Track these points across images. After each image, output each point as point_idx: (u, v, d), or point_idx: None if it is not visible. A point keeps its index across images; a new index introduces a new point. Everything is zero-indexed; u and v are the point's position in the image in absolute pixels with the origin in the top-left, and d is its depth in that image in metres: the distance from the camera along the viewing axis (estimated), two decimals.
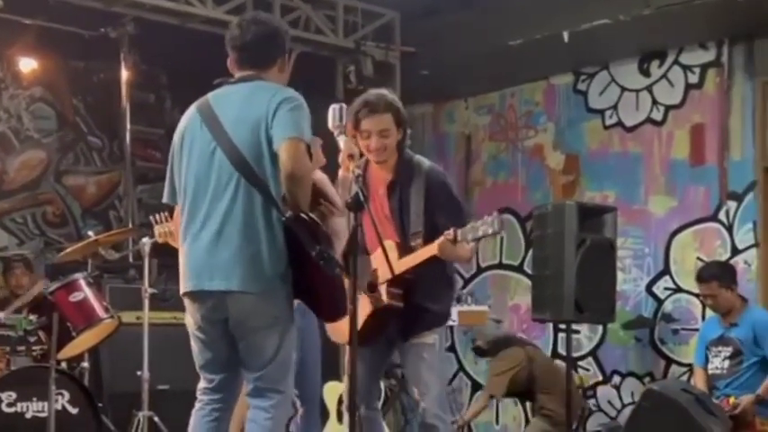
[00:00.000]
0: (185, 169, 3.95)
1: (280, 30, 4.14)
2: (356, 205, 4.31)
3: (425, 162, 4.67)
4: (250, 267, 3.80)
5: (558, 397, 7.08)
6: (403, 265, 4.41)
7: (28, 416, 5.41)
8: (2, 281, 8.12)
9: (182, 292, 3.98)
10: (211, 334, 3.94)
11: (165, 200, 4.10)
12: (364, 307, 4.45)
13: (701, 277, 6.92)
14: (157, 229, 5.49)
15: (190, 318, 4.00)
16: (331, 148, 4.58)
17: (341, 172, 4.43)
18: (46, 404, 5.30)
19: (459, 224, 4.35)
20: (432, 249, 4.36)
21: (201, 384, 4.06)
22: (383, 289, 4.45)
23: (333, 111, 4.29)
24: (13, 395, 5.37)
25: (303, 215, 3.85)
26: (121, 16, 7.91)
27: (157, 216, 5.48)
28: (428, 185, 4.56)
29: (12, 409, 5.37)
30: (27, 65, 8.83)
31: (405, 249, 4.49)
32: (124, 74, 8.31)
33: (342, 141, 4.29)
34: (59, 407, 5.44)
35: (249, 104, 3.87)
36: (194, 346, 4.03)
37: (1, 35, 8.31)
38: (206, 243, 3.84)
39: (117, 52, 8.24)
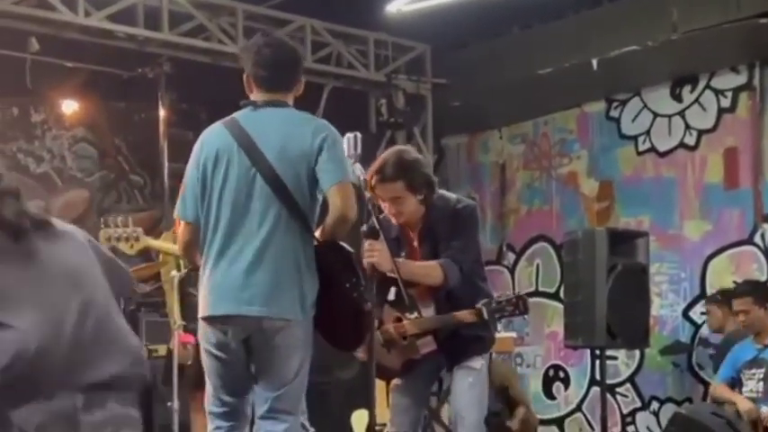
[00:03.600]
0: (219, 190, 3.94)
1: (302, 57, 4.24)
2: (371, 233, 4.41)
3: (453, 200, 4.68)
4: (289, 294, 3.87)
5: None
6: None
7: None
8: None
9: (211, 313, 3.95)
10: (236, 353, 3.96)
11: (181, 213, 4.02)
12: (399, 352, 4.62)
13: (737, 292, 6.97)
14: (106, 233, 5.28)
15: (212, 337, 3.99)
16: None
17: None
18: None
19: (454, 257, 4.48)
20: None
21: (216, 409, 4.06)
22: (415, 341, 4.56)
23: (348, 140, 4.35)
24: None
25: (340, 243, 3.98)
26: (158, 56, 8.09)
27: (110, 219, 5.35)
28: (454, 220, 4.61)
29: None
30: (69, 106, 9.08)
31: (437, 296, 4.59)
32: (162, 112, 8.48)
33: (357, 169, 4.38)
34: None
35: (290, 135, 3.93)
36: (213, 365, 4.02)
37: (43, 78, 8.55)
38: (245, 267, 3.87)
39: (155, 92, 8.43)
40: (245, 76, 4.10)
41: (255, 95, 4.06)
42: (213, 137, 4.05)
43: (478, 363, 4.66)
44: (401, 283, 4.39)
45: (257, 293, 3.86)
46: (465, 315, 4.48)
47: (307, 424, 4.65)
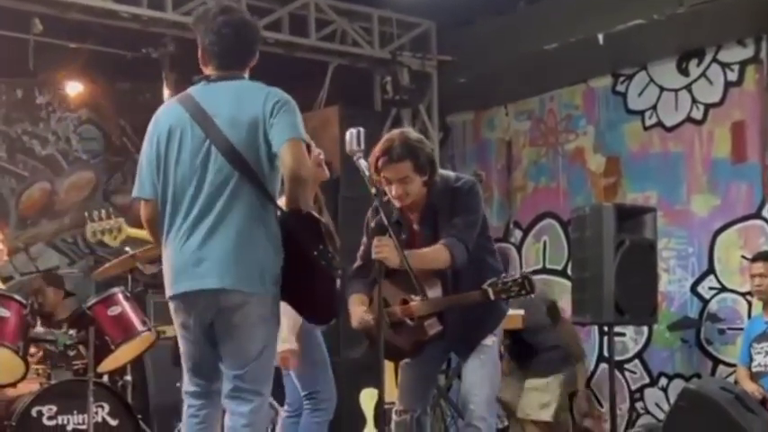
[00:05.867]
0: (174, 165, 3.87)
1: (261, 35, 4.13)
2: (379, 230, 4.38)
3: (452, 178, 4.67)
4: (245, 266, 3.78)
5: None
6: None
7: (69, 428, 5.47)
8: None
9: (173, 293, 3.90)
10: (197, 333, 3.91)
11: (138, 192, 3.98)
12: (407, 334, 4.58)
13: (758, 256, 7.03)
14: (92, 228, 5.37)
15: (178, 318, 3.95)
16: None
17: None
18: (85, 416, 5.38)
19: (458, 236, 4.47)
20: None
21: (190, 388, 4.04)
22: (422, 323, 4.53)
23: (350, 135, 4.28)
24: (54, 408, 5.43)
25: (303, 212, 3.81)
26: (162, 36, 8.06)
27: (94, 213, 5.38)
28: (454, 198, 4.59)
29: (53, 422, 5.43)
30: (74, 88, 9.07)
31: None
32: (166, 93, 8.42)
33: (362, 165, 4.33)
34: (99, 419, 5.50)
35: (242, 104, 3.86)
36: (182, 345, 4.00)
37: (47, 60, 8.52)
38: (200, 240, 3.80)
39: (160, 72, 8.39)
40: (199, 50, 4.03)
41: (209, 70, 4.00)
42: (167, 113, 3.99)
43: (490, 339, 4.66)
44: (412, 273, 4.34)
45: (212, 266, 3.77)
46: (471, 296, 4.46)
47: (275, 404, 4.62)
